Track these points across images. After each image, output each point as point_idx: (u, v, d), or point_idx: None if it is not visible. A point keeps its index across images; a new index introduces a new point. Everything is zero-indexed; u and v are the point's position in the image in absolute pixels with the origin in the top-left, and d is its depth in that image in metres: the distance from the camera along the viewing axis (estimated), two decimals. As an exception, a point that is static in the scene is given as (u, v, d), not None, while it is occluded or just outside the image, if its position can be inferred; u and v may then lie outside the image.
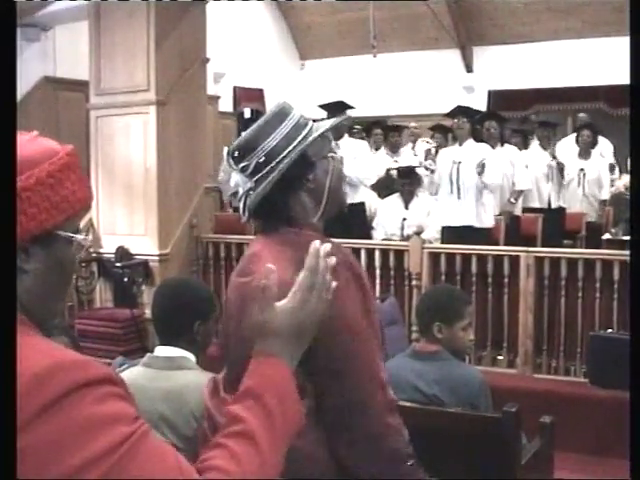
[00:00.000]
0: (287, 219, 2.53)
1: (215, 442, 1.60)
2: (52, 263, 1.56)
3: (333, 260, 1.82)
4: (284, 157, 2.46)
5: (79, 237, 1.62)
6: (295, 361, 1.74)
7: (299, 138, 2.49)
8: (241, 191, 2.53)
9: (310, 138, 2.50)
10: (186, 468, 1.48)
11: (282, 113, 2.54)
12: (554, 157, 10.34)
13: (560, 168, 10.32)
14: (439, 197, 8.93)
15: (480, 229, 8.55)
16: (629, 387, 1.91)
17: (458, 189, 8.59)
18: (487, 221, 8.69)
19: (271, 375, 1.68)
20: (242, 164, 2.51)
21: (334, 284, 1.83)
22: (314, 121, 2.62)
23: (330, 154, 2.63)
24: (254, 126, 2.55)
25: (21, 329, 1.45)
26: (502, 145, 10.01)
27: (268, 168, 2.46)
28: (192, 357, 3.42)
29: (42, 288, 1.56)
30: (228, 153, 2.56)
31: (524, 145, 10.96)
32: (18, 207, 1.46)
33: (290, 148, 2.47)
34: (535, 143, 11.09)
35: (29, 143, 1.57)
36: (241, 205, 2.58)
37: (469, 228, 8.50)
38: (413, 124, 12.99)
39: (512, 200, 9.81)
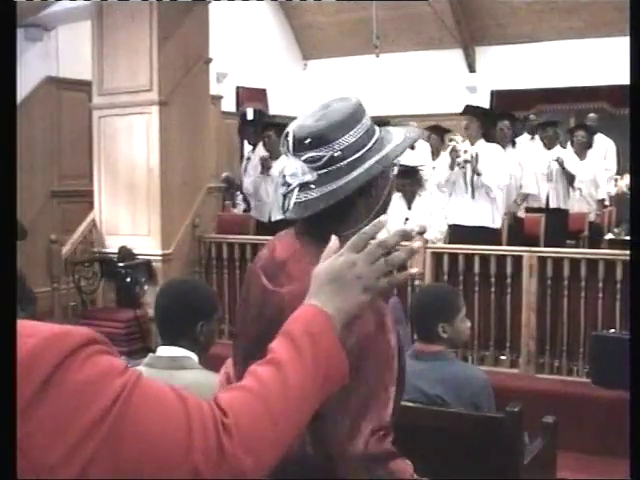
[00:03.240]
0: (336, 227, 2.24)
1: (247, 370, 1.58)
2: None
3: (417, 244, 1.73)
4: (362, 156, 2.29)
5: None
6: (340, 313, 1.65)
7: (373, 140, 2.33)
8: (295, 182, 2.33)
9: (398, 143, 2.35)
10: (187, 395, 1.45)
11: (358, 113, 2.36)
12: (563, 168, 10.27)
13: (570, 179, 10.30)
14: (452, 196, 8.90)
15: (493, 230, 8.56)
16: (629, 387, 1.90)
17: (472, 189, 8.58)
18: (498, 221, 8.70)
19: (303, 315, 1.64)
20: (311, 154, 2.29)
21: (413, 270, 1.80)
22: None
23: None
24: (329, 119, 2.33)
25: None
26: (514, 146, 10.00)
27: (343, 164, 2.28)
28: (195, 357, 3.42)
29: None
30: (294, 137, 2.33)
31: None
32: None
33: (369, 146, 2.31)
34: (533, 142, 11.11)
35: None
36: (293, 196, 2.34)
37: (483, 229, 8.49)
38: (413, 124, 12.96)
39: (518, 202, 9.81)
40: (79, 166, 10.44)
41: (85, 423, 1.31)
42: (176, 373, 3.31)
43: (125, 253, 8.58)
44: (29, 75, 10.63)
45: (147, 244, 8.63)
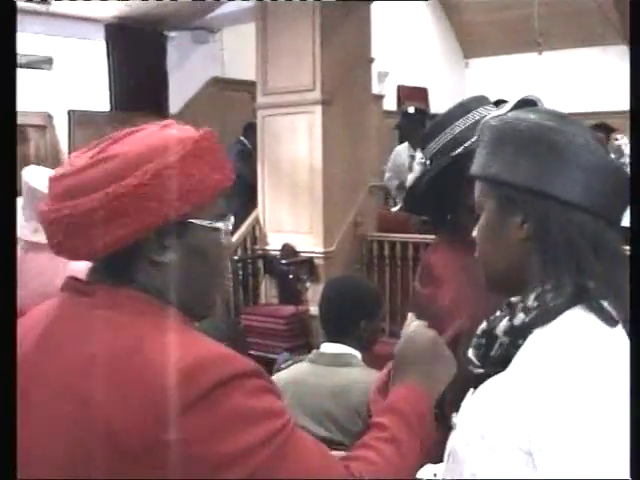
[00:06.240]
0: (455, 228, 2.28)
1: (362, 442, 1.66)
2: (190, 252, 1.55)
3: None
4: (448, 154, 2.23)
5: (208, 223, 1.58)
6: (433, 392, 1.77)
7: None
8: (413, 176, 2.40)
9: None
10: (332, 459, 1.52)
11: (472, 104, 2.35)
12: None
13: None
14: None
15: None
16: (629, 386, 1.81)
17: None
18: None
19: (411, 397, 1.75)
20: (425, 149, 2.33)
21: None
22: None
23: None
24: (444, 111, 2.36)
25: (167, 321, 1.48)
26: None
27: (440, 161, 2.25)
28: (358, 354, 3.45)
29: (186, 278, 1.56)
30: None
31: None
32: (136, 204, 1.45)
33: (465, 145, 2.21)
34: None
35: (152, 135, 1.57)
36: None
37: None
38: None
39: None
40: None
41: (241, 446, 1.36)
42: (339, 370, 3.35)
43: (288, 250, 8.68)
44: (196, 76, 10.93)
45: (309, 241, 8.70)
